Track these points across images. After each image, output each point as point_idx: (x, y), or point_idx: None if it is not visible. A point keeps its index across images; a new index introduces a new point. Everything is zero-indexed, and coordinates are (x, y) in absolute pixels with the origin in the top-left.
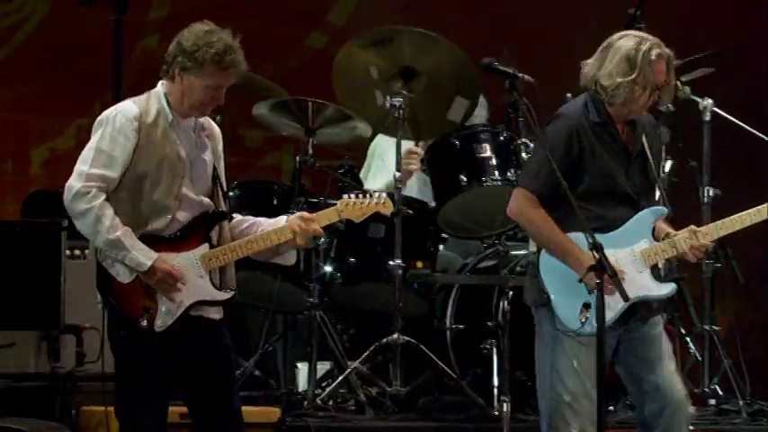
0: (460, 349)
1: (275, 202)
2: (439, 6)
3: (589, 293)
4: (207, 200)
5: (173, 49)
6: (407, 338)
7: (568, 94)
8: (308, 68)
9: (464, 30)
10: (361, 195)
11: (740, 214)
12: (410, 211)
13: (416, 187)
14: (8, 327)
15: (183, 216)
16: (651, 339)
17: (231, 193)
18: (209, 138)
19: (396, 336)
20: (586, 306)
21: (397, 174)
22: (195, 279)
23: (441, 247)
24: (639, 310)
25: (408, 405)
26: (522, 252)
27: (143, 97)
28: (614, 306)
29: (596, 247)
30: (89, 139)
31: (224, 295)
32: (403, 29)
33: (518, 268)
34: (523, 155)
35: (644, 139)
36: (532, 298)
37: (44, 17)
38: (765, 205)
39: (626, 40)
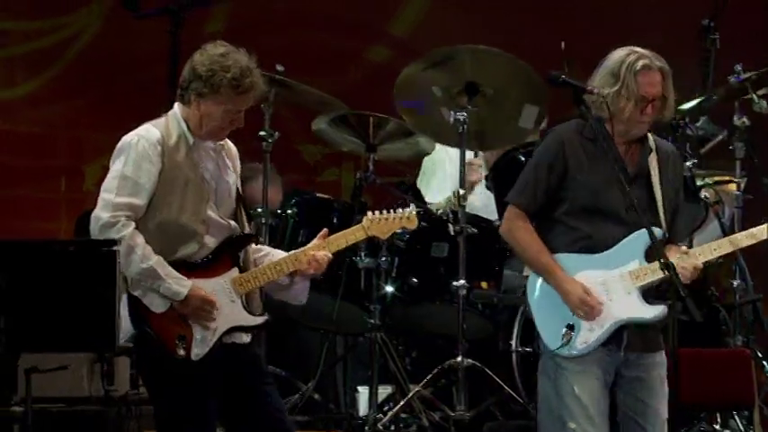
0: (527, 373)
1: (335, 220)
2: (503, 14)
3: (573, 314)
4: (233, 222)
5: (186, 74)
6: (472, 361)
7: None
8: (368, 82)
9: (530, 40)
10: (385, 211)
11: (735, 235)
12: (474, 230)
13: (480, 205)
14: (61, 349)
15: (211, 240)
16: (651, 386)
17: (289, 211)
18: (228, 156)
19: (459, 358)
20: (570, 327)
21: (461, 191)
22: (228, 304)
23: (504, 266)
24: (630, 336)
25: (473, 431)
26: None
27: (161, 121)
28: (598, 328)
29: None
30: None
31: (258, 320)
32: (462, 48)
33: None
34: None
35: (653, 162)
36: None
37: (97, 31)
38: (764, 227)
39: (615, 53)
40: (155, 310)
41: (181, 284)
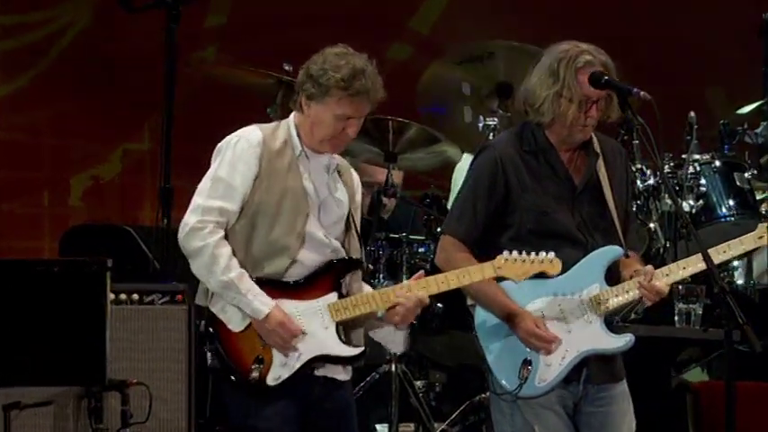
0: None
1: None
2: (531, 11)
3: (529, 350)
4: (337, 243)
5: (301, 76)
6: None
7: (691, 113)
8: (389, 83)
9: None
10: (524, 252)
11: (712, 249)
12: None
13: None
14: (44, 382)
15: (310, 258)
16: (612, 421)
17: None
18: (346, 184)
19: (489, 393)
20: (526, 363)
21: None
22: (319, 330)
23: None
24: (593, 370)
25: None
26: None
27: (270, 125)
28: (557, 364)
29: None
30: (138, 166)
31: (351, 351)
32: (500, 44)
33: (633, 315)
34: (638, 183)
35: (602, 169)
36: (480, 359)
37: (86, 26)
38: (724, 246)
39: (552, 49)
40: (232, 328)
41: (262, 302)
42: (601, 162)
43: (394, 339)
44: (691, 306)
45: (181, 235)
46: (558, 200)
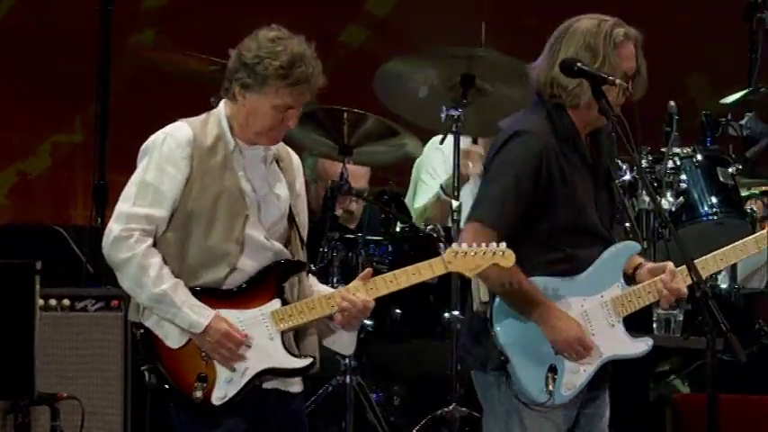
0: None
1: None
2: None
3: (555, 354)
4: (279, 245)
5: (233, 62)
6: (467, 410)
7: (671, 103)
8: (342, 70)
9: (525, 21)
10: (474, 245)
11: (721, 251)
12: None
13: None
14: None
15: (249, 264)
16: (597, 425)
17: None
18: (285, 171)
19: (453, 407)
20: (552, 370)
21: (444, 187)
22: (264, 341)
23: None
24: (597, 372)
25: None
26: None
27: (200, 118)
28: (583, 370)
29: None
30: (69, 160)
31: (299, 362)
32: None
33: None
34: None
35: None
36: (481, 359)
37: (12, 5)
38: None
39: (583, 23)
40: (170, 345)
41: (200, 313)
42: (606, 147)
43: (341, 341)
44: (670, 312)
45: (105, 245)
46: (587, 192)
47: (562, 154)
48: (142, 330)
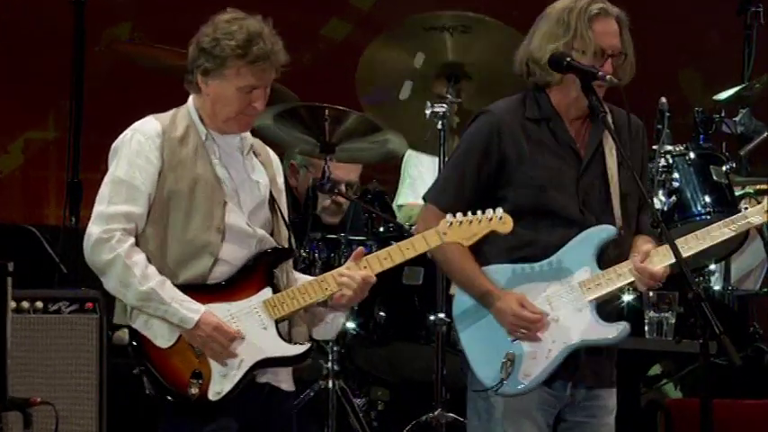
0: None
1: None
2: None
3: (512, 341)
4: (263, 231)
5: (192, 52)
6: (453, 416)
7: (663, 99)
8: (324, 66)
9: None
10: (469, 213)
11: (702, 231)
12: None
13: None
14: None
15: (233, 253)
16: None
17: None
18: (265, 165)
19: (438, 412)
20: (509, 358)
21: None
22: (257, 332)
23: None
24: (583, 370)
25: None
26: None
27: (168, 113)
28: (543, 357)
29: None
30: (42, 157)
31: (296, 349)
32: (440, 16)
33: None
34: None
35: (608, 141)
36: (461, 361)
37: None
38: (728, 222)
39: (558, 3)
40: (160, 344)
41: (190, 308)
42: (607, 133)
43: (332, 326)
44: (662, 315)
45: (86, 250)
46: (560, 174)
47: (525, 133)
48: (132, 332)
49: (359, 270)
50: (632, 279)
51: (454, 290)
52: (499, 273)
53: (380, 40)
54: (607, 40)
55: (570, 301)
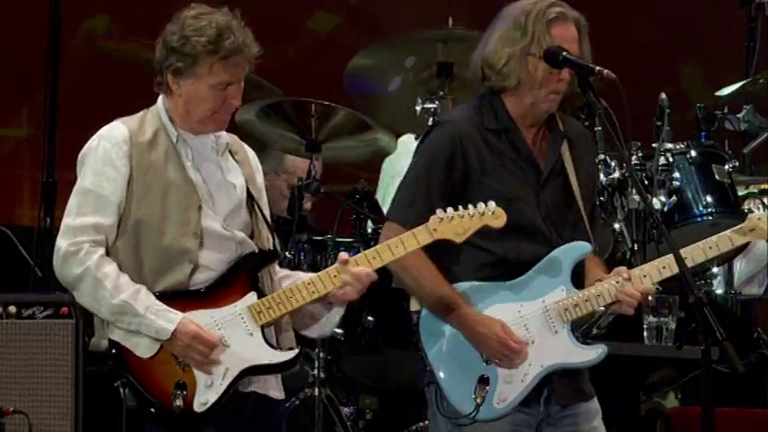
0: None
1: None
2: None
3: (486, 364)
4: (242, 234)
5: (159, 52)
6: None
7: (663, 95)
8: (310, 59)
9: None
10: (460, 207)
11: (689, 248)
12: None
13: None
14: None
15: (213, 258)
16: None
17: None
18: (242, 164)
19: (428, 421)
20: (483, 381)
21: None
22: (243, 339)
23: None
24: (557, 387)
25: None
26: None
27: (137, 115)
28: (518, 381)
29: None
30: (15, 155)
31: (284, 355)
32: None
33: (595, 330)
34: (601, 176)
35: (566, 153)
36: (420, 374)
37: None
38: (710, 242)
39: (518, 4)
40: (141, 354)
41: (167, 318)
42: (566, 145)
43: (328, 322)
44: (662, 320)
45: (56, 264)
46: (522, 187)
47: (486, 144)
48: (111, 344)
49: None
50: (612, 300)
51: (416, 306)
52: (469, 292)
53: (370, 48)
54: (565, 45)
55: (546, 323)
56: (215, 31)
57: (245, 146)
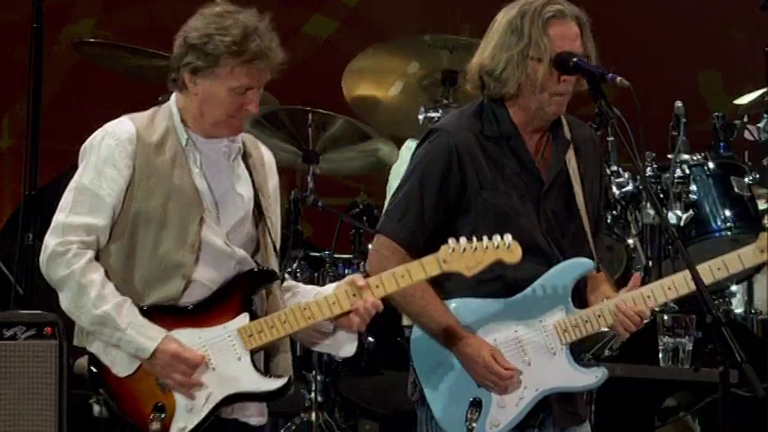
0: None
1: None
2: None
3: (478, 386)
4: (243, 252)
5: (178, 47)
6: None
7: (678, 103)
8: (307, 66)
9: None
10: (474, 239)
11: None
12: None
13: None
14: None
15: (209, 275)
16: None
17: None
18: (254, 170)
19: None
20: (475, 404)
21: None
22: (230, 363)
23: None
24: (554, 410)
25: None
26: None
27: (146, 113)
28: (512, 405)
29: None
30: None
31: (273, 384)
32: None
33: (607, 351)
34: (614, 189)
35: (572, 161)
36: (410, 391)
37: None
38: (718, 262)
39: (512, 7)
40: (118, 372)
41: (148, 335)
42: (571, 152)
43: (345, 342)
44: (678, 340)
45: (42, 262)
46: (521, 199)
47: (485, 154)
48: (89, 357)
49: (352, 297)
50: (612, 323)
51: (407, 320)
52: (463, 309)
53: (372, 49)
54: (565, 44)
55: (543, 344)
56: (241, 31)
57: (262, 147)
